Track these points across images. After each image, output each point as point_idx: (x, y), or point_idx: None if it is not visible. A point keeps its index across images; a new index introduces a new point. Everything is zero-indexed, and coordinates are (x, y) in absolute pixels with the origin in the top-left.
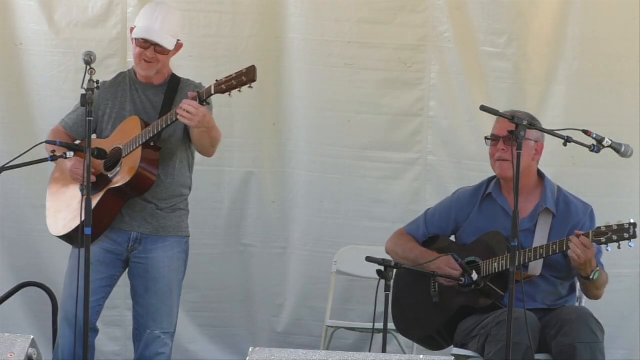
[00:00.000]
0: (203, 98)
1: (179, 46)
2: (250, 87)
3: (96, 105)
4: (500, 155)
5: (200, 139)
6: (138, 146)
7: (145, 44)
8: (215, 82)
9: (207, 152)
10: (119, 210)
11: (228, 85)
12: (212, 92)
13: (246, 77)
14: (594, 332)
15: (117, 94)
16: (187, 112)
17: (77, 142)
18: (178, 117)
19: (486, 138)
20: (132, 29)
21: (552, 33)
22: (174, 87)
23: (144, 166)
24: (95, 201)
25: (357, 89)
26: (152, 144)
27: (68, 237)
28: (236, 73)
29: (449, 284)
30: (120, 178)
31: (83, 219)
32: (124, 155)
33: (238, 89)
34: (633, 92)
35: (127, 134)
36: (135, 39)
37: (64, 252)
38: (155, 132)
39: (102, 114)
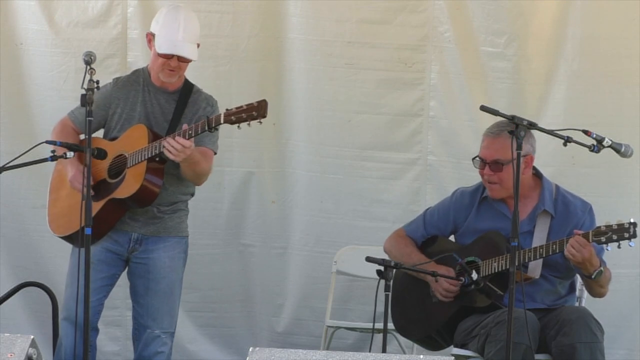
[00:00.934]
0: (212, 125)
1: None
2: (259, 122)
3: (107, 102)
4: (488, 178)
5: (184, 172)
6: (143, 160)
7: (169, 55)
8: (225, 110)
9: (194, 182)
10: (119, 219)
11: (237, 117)
12: (221, 122)
13: (257, 111)
14: (594, 332)
15: (129, 95)
16: (173, 148)
17: (82, 137)
18: (164, 151)
19: (473, 158)
20: (148, 35)
21: (552, 33)
22: (185, 97)
23: (148, 179)
24: (96, 209)
25: (357, 89)
26: (157, 159)
27: (68, 237)
28: (247, 105)
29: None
30: (123, 190)
31: (83, 222)
32: (129, 165)
33: (247, 123)
34: (633, 92)
35: (132, 142)
36: (159, 53)
37: (65, 252)
38: (162, 149)
39: (113, 113)
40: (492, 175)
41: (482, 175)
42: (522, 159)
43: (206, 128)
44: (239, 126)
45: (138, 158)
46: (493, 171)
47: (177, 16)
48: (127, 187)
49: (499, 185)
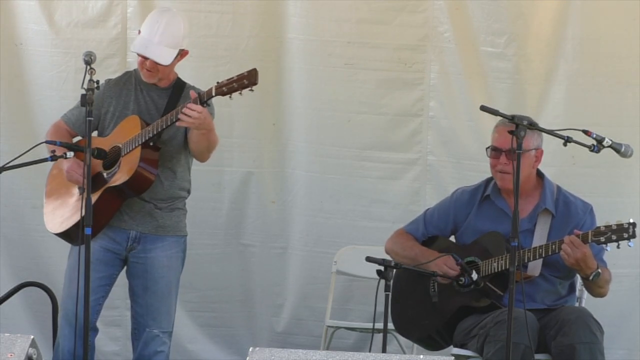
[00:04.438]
0: (204, 99)
1: (183, 54)
2: (251, 90)
3: (99, 103)
4: (503, 167)
5: (198, 142)
6: (137, 145)
7: (142, 55)
8: (216, 83)
9: (202, 157)
10: (117, 209)
11: (229, 87)
12: (213, 94)
13: (247, 80)
14: (594, 333)
15: (121, 93)
16: (189, 115)
17: (78, 138)
18: (179, 119)
19: (487, 149)
20: (140, 32)
21: (552, 33)
22: (178, 91)
23: (143, 165)
24: (93, 200)
25: (357, 89)
26: (151, 143)
27: (66, 235)
28: (237, 75)
29: (446, 282)
30: (119, 177)
31: (83, 216)
32: (122, 154)
33: (239, 92)
34: (633, 92)
35: (126, 132)
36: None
37: (64, 252)
38: (155, 132)
39: (105, 112)
40: (507, 165)
41: (494, 165)
42: (534, 152)
43: (198, 103)
44: (230, 97)
45: (132, 145)
46: (509, 160)
47: (160, 18)
48: (122, 174)
49: (511, 175)
